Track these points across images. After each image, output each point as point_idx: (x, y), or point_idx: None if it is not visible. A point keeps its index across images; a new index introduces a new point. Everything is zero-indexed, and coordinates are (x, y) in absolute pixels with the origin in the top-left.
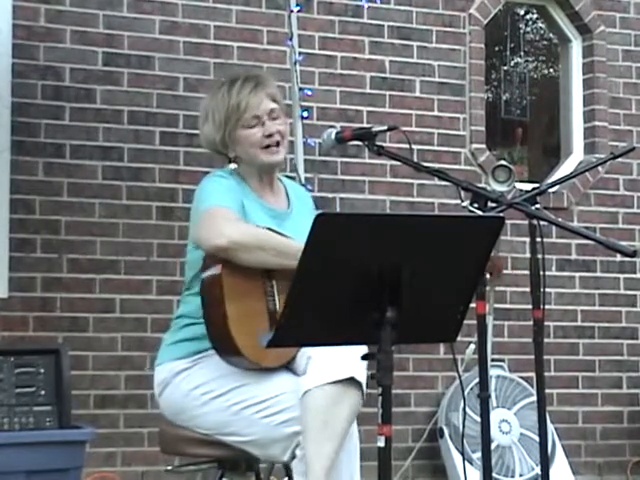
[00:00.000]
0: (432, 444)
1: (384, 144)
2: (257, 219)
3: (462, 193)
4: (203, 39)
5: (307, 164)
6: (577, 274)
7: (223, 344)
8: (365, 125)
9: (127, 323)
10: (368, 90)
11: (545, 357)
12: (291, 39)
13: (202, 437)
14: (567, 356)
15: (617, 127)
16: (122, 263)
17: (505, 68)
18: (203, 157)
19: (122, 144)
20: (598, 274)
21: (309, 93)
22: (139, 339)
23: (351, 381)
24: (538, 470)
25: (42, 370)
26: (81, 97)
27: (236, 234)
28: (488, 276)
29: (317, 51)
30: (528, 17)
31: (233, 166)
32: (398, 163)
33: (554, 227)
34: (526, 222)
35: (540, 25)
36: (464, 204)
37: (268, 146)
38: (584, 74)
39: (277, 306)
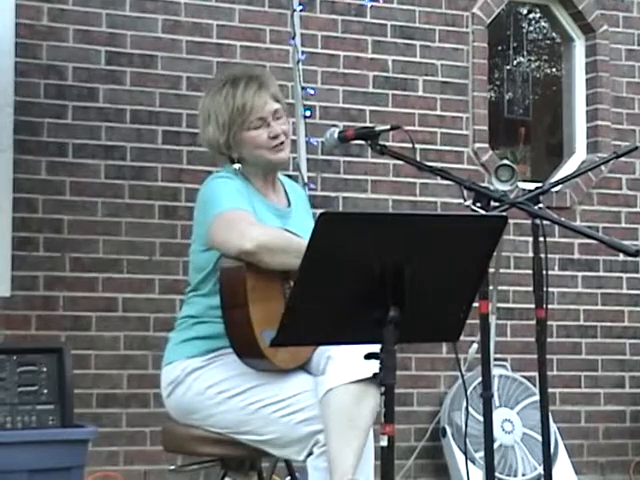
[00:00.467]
0: (435, 443)
1: (387, 143)
2: (265, 219)
3: (465, 192)
4: (206, 38)
5: (310, 163)
6: (580, 273)
7: (245, 346)
8: (368, 124)
9: (130, 322)
10: (371, 89)
11: (548, 356)
12: (294, 38)
13: (206, 435)
14: (570, 355)
15: (620, 126)
16: (125, 262)
17: (508, 67)
18: (206, 156)
19: (125, 143)
20: (601, 273)
21: (312, 92)
22: (142, 338)
23: (372, 380)
24: (541, 470)
25: (45, 369)
26: (84, 96)
27: (263, 237)
28: None
29: (320, 50)
30: (531, 16)
31: (237, 166)
32: (401, 162)
33: (557, 226)
34: (529, 221)
35: (543, 24)
36: (467, 203)
37: (274, 146)
38: (587, 73)
39: None
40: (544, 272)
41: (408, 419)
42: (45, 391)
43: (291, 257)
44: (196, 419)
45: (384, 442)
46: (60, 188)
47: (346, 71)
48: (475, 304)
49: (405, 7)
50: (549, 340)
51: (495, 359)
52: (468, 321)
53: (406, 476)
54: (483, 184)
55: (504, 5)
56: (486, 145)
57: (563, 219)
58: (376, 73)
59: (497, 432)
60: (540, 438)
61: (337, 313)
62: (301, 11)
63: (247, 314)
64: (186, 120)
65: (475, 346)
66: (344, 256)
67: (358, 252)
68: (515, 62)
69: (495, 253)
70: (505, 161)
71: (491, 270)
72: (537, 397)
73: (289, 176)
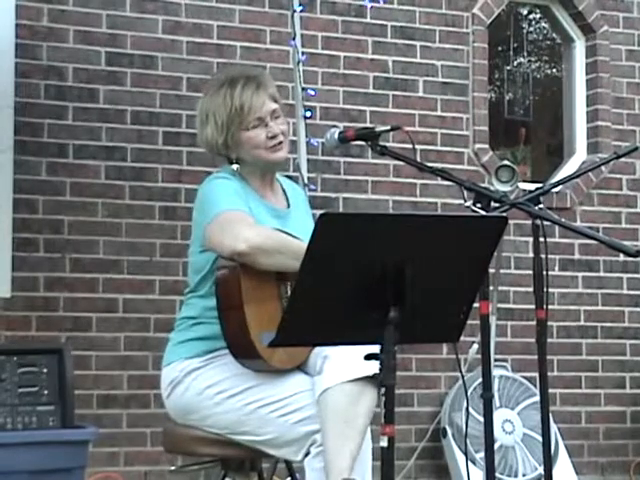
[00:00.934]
0: (435, 444)
1: (387, 144)
2: (262, 220)
3: (465, 193)
4: (206, 39)
5: (310, 164)
6: (580, 274)
7: (241, 347)
8: (368, 125)
9: (130, 323)
10: (371, 90)
11: (548, 357)
12: (294, 39)
13: (206, 436)
14: (570, 356)
15: (620, 127)
16: (125, 263)
17: (508, 68)
18: (206, 157)
19: (125, 144)
20: (601, 274)
21: (312, 93)
22: (142, 339)
23: (369, 379)
24: (541, 470)
25: (45, 370)
26: (84, 97)
27: (257, 238)
28: None
29: (320, 51)
30: (531, 17)
31: (235, 166)
32: (401, 163)
33: (557, 227)
34: (529, 222)
35: (543, 25)
36: (467, 204)
37: (272, 146)
38: (587, 74)
39: None
40: (544, 272)
41: (409, 420)
42: (45, 392)
43: (286, 258)
44: (194, 419)
45: (384, 443)
46: (60, 189)
47: (346, 72)
48: (475, 304)
49: (405, 8)
50: (549, 341)
51: (495, 360)
52: (468, 322)
53: (406, 476)
54: (483, 185)
55: (504, 6)
56: (486, 146)
57: (563, 220)
58: (376, 74)
59: (497, 432)
60: (540, 438)
61: (337, 314)
62: (301, 12)
63: (242, 315)
64: (186, 121)
65: (475, 347)
66: (344, 257)
67: (358, 253)
68: (515, 63)
69: (495, 254)
70: (505, 162)
71: (491, 270)
72: (537, 398)
73: (289, 177)
